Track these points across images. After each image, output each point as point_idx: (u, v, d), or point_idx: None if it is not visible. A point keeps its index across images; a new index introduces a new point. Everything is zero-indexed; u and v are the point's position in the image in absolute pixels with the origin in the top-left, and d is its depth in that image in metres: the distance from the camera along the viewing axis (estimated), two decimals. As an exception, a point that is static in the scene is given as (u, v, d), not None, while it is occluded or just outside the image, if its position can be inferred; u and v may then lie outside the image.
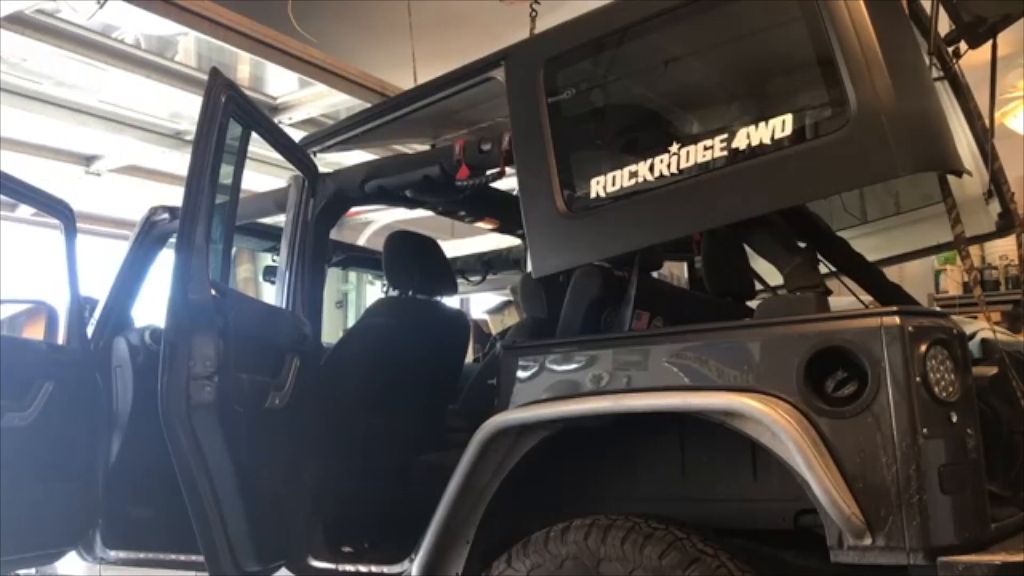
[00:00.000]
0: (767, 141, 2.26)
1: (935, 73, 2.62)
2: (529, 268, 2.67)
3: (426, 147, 3.78)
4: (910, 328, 2.06)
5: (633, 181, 2.45)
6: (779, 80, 2.59)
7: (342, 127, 3.50)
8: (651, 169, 2.42)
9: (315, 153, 3.43)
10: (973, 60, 2.80)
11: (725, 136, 2.32)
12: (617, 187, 2.48)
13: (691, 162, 2.36)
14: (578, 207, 2.56)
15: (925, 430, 2.00)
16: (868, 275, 3.24)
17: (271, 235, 3.96)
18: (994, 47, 2.67)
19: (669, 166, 2.39)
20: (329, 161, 4.27)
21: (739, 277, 3.20)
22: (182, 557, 3.23)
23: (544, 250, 2.61)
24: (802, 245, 2.74)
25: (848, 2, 2.18)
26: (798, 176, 2.26)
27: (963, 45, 2.71)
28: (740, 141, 2.30)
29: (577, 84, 2.66)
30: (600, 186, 2.51)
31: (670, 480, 2.60)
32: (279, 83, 4.80)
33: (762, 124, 2.27)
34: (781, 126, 2.25)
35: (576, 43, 2.69)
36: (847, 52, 2.16)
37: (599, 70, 2.76)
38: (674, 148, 2.39)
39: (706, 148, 2.34)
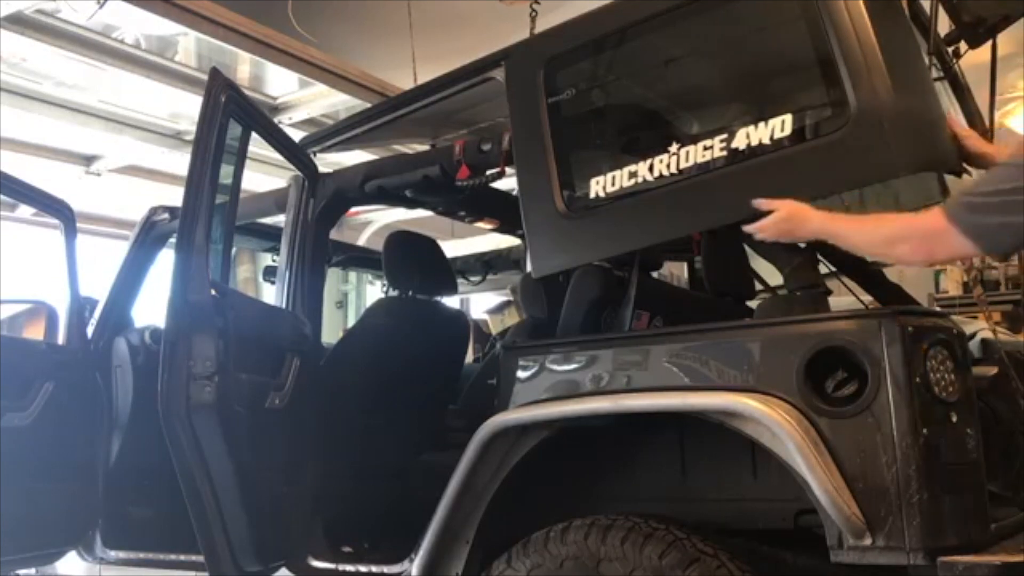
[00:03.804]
0: (766, 141, 2.26)
1: (935, 73, 2.62)
2: (529, 268, 2.67)
3: (426, 147, 3.78)
4: (910, 328, 2.05)
5: (633, 181, 2.45)
6: (779, 80, 2.59)
7: (342, 127, 3.50)
8: (651, 169, 2.42)
9: (315, 153, 3.43)
10: (973, 60, 2.80)
11: (725, 136, 2.32)
12: (617, 187, 2.48)
13: (691, 162, 2.36)
14: (578, 207, 2.56)
15: (925, 430, 2.00)
16: (868, 275, 3.24)
17: (271, 235, 3.96)
18: (994, 47, 2.67)
19: (669, 166, 2.39)
20: (329, 161, 4.27)
21: (739, 277, 3.20)
22: (182, 557, 3.23)
23: (544, 250, 2.61)
24: (802, 245, 2.74)
25: (848, 2, 2.18)
26: (797, 176, 2.26)
27: (963, 45, 2.71)
28: (740, 141, 2.30)
29: (577, 84, 2.66)
30: (600, 186, 2.51)
31: (670, 480, 2.60)
32: (279, 83, 4.81)
33: (761, 124, 2.27)
34: (781, 126, 2.25)
35: (576, 43, 2.69)
36: (846, 52, 2.16)
37: (599, 70, 2.76)
38: (674, 148, 2.39)
39: (706, 148, 2.34)
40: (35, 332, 3.51)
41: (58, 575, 3.65)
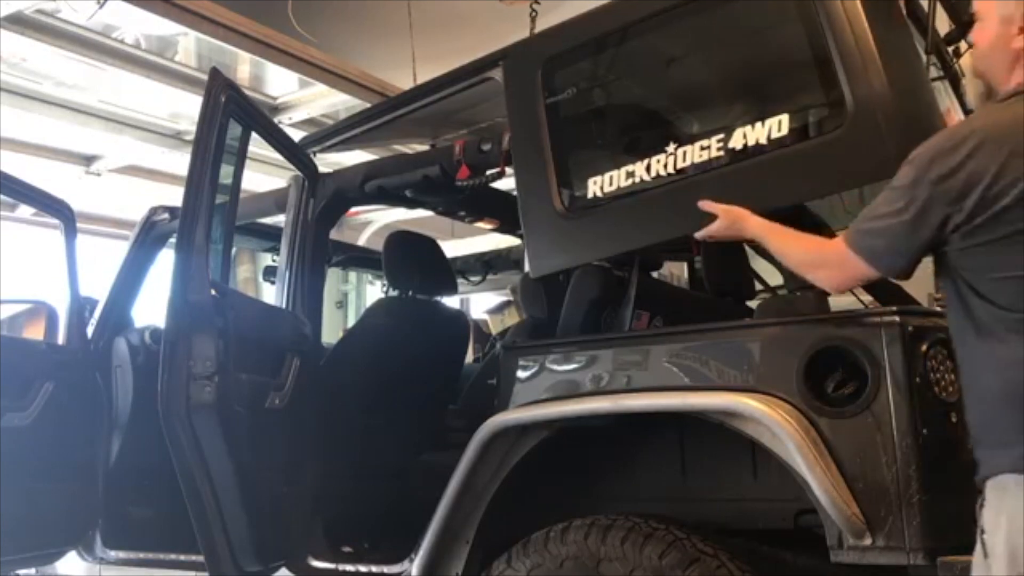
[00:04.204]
0: (763, 141, 2.26)
1: (935, 72, 2.62)
2: (527, 268, 2.67)
3: (426, 147, 3.78)
4: (910, 328, 2.05)
5: (630, 181, 2.45)
6: (776, 80, 2.58)
7: (342, 127, 3.50)
8: (648, 169, 2.42)
9: (315, 153, 3.43)
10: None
11: (722, 136, 2.32)
12: (614, 187, 2.48)
13: (688, 162, 2.37)
14: (576, 207, 2.56)
15: (925, 430, 2.00)
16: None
17: (271, 235, 3.96)
18: None
19: (666, 166, 2.40)
20: (329, 161, 4.27)
21: (739, 277, 3.19)
22: (182, 557, 3.23)
23: (542, 250, 2.62)
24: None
25: (845, 2, 2.18)
26: (795, 176, 2.26)
27: (963, 45, 2.71)
28: (737, 141, 2.30)
29: (574, 84, 2.66)
30: (597, 186, 2.51)
31: (670, 480, 2.60)
32: (279, 83, 4.81)
33: (759, 124, 2.27)
34: (778, 126, 2.25)
35: (573, 43, 2.69)
36: (843, 51, 2.16)
37: (596, 70, 2.76)
38: (671, 148, 2.39)
39: (703, 148, 2.34)
40: (35, 332, 3.51)
41: (58, 575, 3.65)
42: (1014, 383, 1.64)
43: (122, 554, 3.40)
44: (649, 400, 2.33)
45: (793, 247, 2.04)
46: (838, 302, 2.60)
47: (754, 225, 2.14)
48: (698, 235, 2.28)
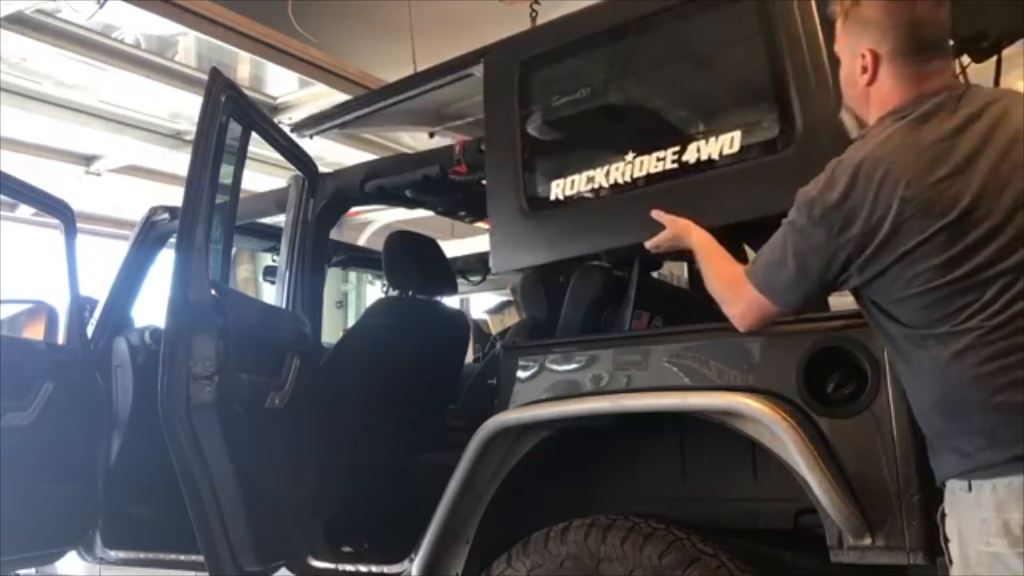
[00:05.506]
0: (715, 156, 2.28)
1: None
2: (490, 263, 2.71)
3: (425, 135, 3.78)
4: (910, 328, 2.05)
5: (590, 186, 2.49)
6: (731, 97, 2.58)
7: (328, 114, 3.47)
8: (607, 175, 2.45)
9: (311, 136, 3.42)
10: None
11: (677, 149, 2.34)
12: (575, 190, 2.52)
13: (643, 172, 2.39)
14: (539, 207, 2.59)
15: (925, 430, 2.00)
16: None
17: (271, 235, 3.96)
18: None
19: (623, 174, 2.43)
20: (330, 161, 4.28)
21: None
22: (182, 557, 3.23)
23: (505, 245, 2.67)
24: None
25: (803, 21, 2.18)
26: (743, 193, 2.27)
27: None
28: (690, 154, 2.32)
29: (547, 87, 2.69)
30: (560, 188, 2.55)
31: (670, 480, 2.60)
32: (279, 83, 4.82)
33: (712, 139, 2.29)
34: (730, 142, 2.27)
35: (548, 47, 2.70)
36: (796, 72, 2.18)
37: (567, 75, 2.76)
38: (629, 156, 2.41)
39: (659, 159, 2.37)
40: (35, 332, 3.51)
41: (58, 575, 3.65)
42: (936, 395, 1.67)
43: (122, 554, 3.41)
44: (649, 400, 2.33)
45: (715, 278, 2.06)
46: (838, 302, 2.59)
47: (695, 241, 2.17)
48: (647, 244, 2.31)
